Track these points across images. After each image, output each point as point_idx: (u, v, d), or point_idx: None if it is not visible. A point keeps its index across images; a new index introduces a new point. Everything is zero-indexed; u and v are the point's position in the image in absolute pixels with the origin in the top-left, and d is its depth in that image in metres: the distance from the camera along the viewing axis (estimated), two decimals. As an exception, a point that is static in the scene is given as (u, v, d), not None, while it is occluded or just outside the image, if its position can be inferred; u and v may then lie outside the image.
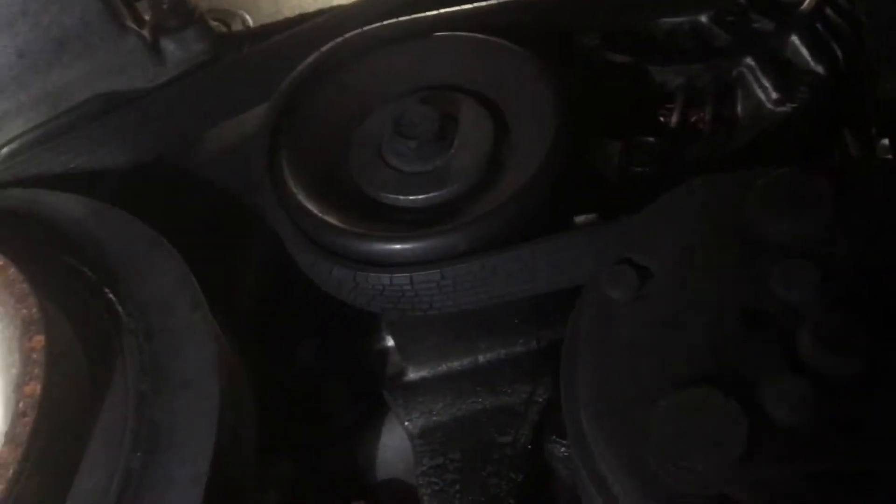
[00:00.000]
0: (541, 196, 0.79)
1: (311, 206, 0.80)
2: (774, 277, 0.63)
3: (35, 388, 0.65)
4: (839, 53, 0.94)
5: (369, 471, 0.93)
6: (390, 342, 0.94)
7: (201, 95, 0.99)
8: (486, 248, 0.77)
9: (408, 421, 0.90)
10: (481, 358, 0.90)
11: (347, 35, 0.93)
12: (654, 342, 0.63)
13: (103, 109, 0.96)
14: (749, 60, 0.94)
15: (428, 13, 0.95)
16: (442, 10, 0.95)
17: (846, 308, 0.59)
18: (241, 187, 0.96)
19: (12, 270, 0.72)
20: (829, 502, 0.55)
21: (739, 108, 0.96)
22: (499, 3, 0.96)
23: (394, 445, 0.92)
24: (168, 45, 1.01)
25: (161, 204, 0.92)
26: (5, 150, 0.97)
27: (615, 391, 0.62)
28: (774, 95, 0.93)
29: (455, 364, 0.91)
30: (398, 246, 0.77)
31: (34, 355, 0.67)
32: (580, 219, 0.79)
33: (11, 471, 0.61)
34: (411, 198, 0.82)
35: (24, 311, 0.70)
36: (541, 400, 0.87)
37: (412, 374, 0.91)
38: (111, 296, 0.77)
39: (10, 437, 0.63)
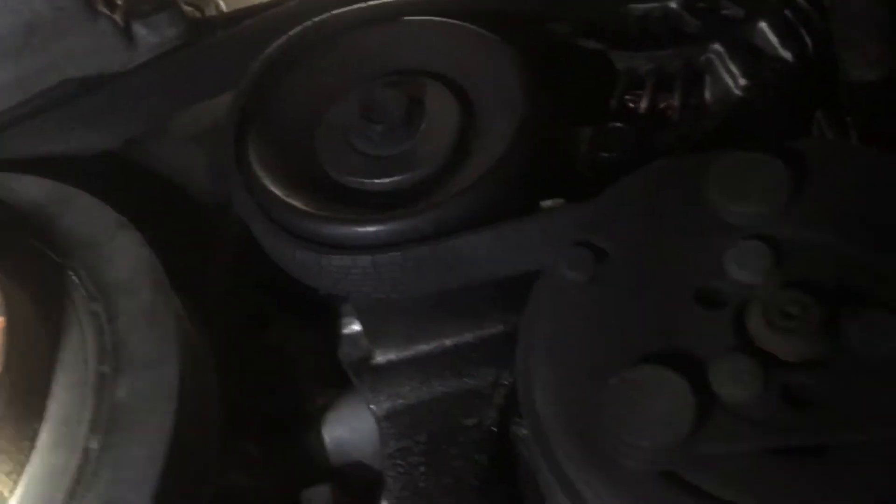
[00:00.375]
0: (505, 181, 0.79)
1: (276, 190, 0.80)
2: (728, 258, 0.63)
3: (-8, 367, 0.65)
4: (808, 40, 0.94)
5: (336, 454, 0.94)
6: (358, 326, 0.94)
7: (173, 79, 0.99)
8: (450, 231, 0.77)
9: (374, 404, 0.90)
10: (448, 341, 0.91)
11: (316, 18, 0.93)
12: (608, 322, 0.63)
13: (74, 93, 0.96)
14: (718, 47, 0.95)
15: (398, -2, 0.95)
16: (412, -5, 0.95)
17: (797, 290, 0.60)
18: (212, 171, 0.96)
19: (-27, 251, 0.72)
20: (777, 478, 0.55)
21: (708, 95, 0.96)
22: (469, -11, 0.96)
23: (361, 428, 0.93)
24: (140, 30, 1.00)
25: (130, 188, 0.92)
26: (-26, 135, 0.97)
27: (568, 371, 0.62)
28: (742, 82, 0.94)
29: (422, 347, 0.91)
30: (360, 228, 0.77)
31: (-8, 335, 0.67)
32: (547, 204, 0.79)
33: (-32, 449, 0.62)
34: (377, 182, 0.82)
35: (-14, 290, 0.70)
36: (507, 383, 0.87)
37: (379, 358, 0.92)
38: (74, 278, 0.77)
39: (-32, 416, 0.63)
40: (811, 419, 0.56)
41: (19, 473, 0.66)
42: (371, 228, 0.77)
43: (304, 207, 0.79)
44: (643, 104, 0.97)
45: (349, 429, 0.93)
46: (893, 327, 0.57)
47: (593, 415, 0.59)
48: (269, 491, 0.86)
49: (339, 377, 0.94)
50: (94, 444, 0.68)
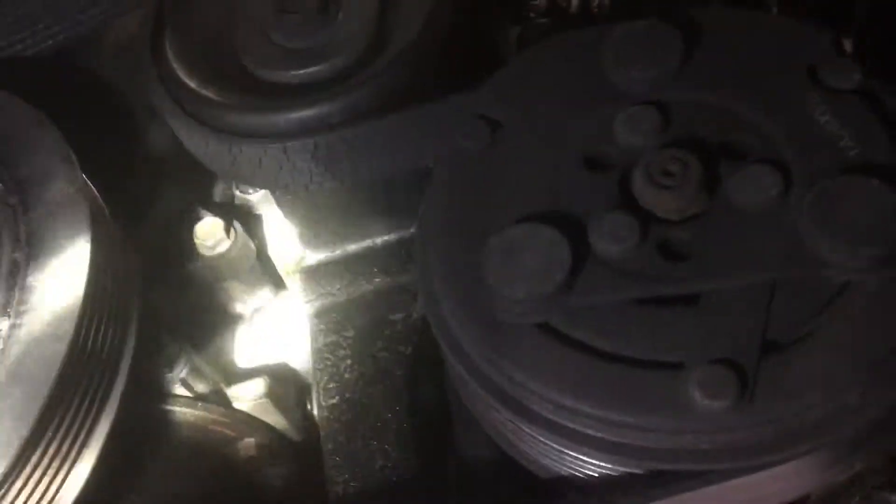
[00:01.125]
0: (413, 68, 0.79)
1: (190, 82, 0.81)
2: (618, 123, 0.63)
3: None
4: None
5: (270, 353, 0.95)
6: (290, 230, 0.95)
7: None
8: (359, 117, 0.77)
9: (306, 302, 0.91)
10: (377, 241, 0.92)
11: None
12: (497, 188, 0.64)
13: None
14: (646, -61, 0.94)
15: None
16: None
17: (679, 149, 0.60)
18: (137, 79, 0.96)
19: None
20: (650, 326, 0.56)
21: (639, -9, 0.96)
22: None
23: (293, 327, 0.94)
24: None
25: (58, 94, 0.92)
26: None
27: (457, 234, 0.63)
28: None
29: (351, 247, 0.92)
30: (271, 116, 0.77)
31: None
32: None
33: None
34: (293, 73, 0.82)
35: None
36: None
37: (311, 259, 0.93)
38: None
39: None
40: (685, 269, 0.57)
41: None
42: (281, 116, 0.77)
43: (215, 97, 0.79)
44: (574, 2, 0.97)
45: (282, 328, 0.95)
46: (768, 178, 0.57)
47: (476, 273, 0.59)
48: (198, 388, 0.87)
49: (273, 278, 0.96)
50: (3, 325, 0.69)
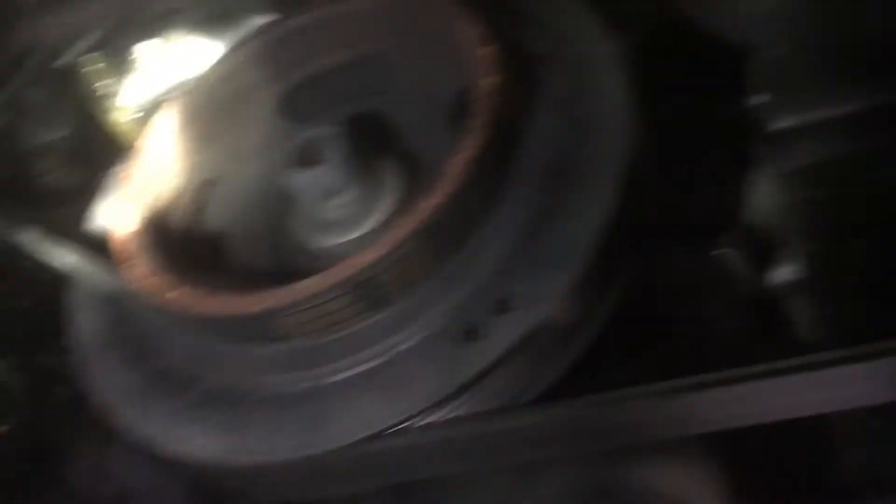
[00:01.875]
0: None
1: None
2: None
3: (492, 79, 0.82)
4: None
5: (738, 211, 1.03)
6: (761, 96, 1.02)
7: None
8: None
9: (775, 164, 0.99)
10: (851, 106, 0.96)
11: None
12: None
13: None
14: None
15: None
16: None
17: None
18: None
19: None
20: None
21: None
22: None
23: (759, 190, 1.02)
24: None
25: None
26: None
27: None
28: None
29: (824, 112, 0.98)
30: None
31: (485, 60, 0.84)
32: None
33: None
34: None
35: (472, 29, 0.87)
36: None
37: (782, 123, 1.00)
38: (535, 38, 0.91)
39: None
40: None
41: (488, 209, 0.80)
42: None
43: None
44: None
45: (750, 192, 1.02)
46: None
47: None
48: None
49: (743, 143, 1.03)
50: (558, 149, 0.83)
